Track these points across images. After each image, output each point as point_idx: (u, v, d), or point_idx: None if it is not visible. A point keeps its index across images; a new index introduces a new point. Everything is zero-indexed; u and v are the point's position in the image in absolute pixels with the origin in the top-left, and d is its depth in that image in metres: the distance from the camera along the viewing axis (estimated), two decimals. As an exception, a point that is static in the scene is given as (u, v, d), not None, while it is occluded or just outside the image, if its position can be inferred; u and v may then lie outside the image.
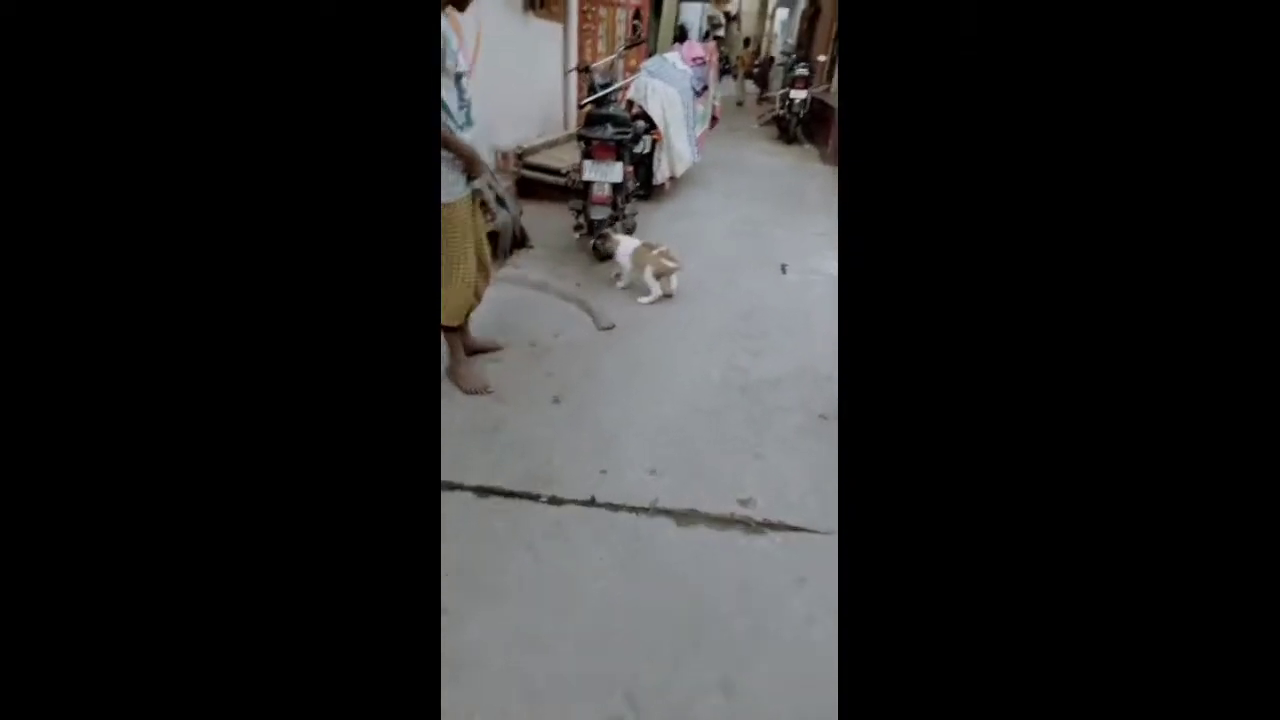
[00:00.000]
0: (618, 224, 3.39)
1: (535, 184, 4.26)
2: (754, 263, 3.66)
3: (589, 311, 2.85)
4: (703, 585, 1.54)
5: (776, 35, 14.49)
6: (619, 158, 3.18)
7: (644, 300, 3.00)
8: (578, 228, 3.35)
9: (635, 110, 4.21)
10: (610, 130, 3.19)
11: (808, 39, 9.28)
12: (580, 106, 3.76)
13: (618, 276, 3.12)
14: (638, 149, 3.99)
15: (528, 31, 4.58)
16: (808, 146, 7.38)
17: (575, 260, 3.45)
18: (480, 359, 2.36)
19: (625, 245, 3.03)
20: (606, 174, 3.14)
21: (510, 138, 4.37)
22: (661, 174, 4.47)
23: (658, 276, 2.96)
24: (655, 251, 2.97)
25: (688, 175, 5.01)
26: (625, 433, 2.07)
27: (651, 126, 4.23)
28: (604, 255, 3.18)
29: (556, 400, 2.21)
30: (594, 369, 2.42)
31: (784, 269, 3.59)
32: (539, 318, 2.80)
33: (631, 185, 3.61)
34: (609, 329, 2.74)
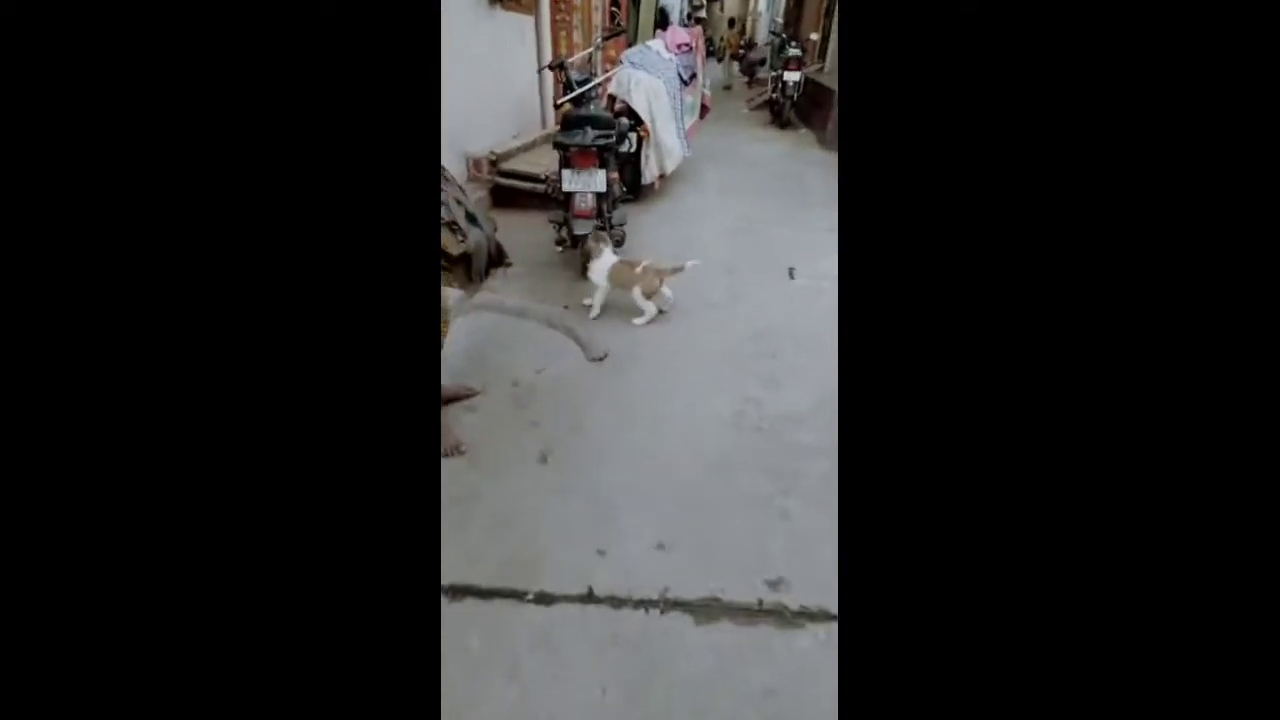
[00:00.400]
0: (605, 235, 3.05)
1: (513, 192, 3.92)
2: (758, 268, 3.33)
3: (577, 340, 2.53)
4: (732, 710, 1.22)
5: (761, 14, 14.05)
6: (602, 164, 2.83)
7: (638, 322, 2.67)
8: (559, 243, 3.01)
9: (619, 105, 3.86)
10: (590, 134, 2.83)
11: (795, 17, 8.88)
12: (556, 106, 3.42)
13: (589, 306, 2.77)
14: (623, 149, 3.64)
15: (494, 25, 4.22)
16: (804, 130, 7.01)
17: (559, 278, 3.12)
18: (451, 410, 2.04)
19: (602, 261, 2.69)
20: (589, 183, 2.80)
21: (482, 142, 4.03)
22: (650, 173, 4.13)
23: (648, 296, 2.64)
24: (638, 269, 2.64)
25: (677, 172, 4.66)
26: (625, 497, 1.75)
27: (637, 123, 3.89)
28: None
29: (544, 459, 1.89)
30: (586, 414, 2.10)
31: (792, 274, 3.26)
32: (520, 350, 2.48)
33: (618, 191, 3.26)
34: (601, 360, 2.42)
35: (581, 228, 2.81)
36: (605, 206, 3.01)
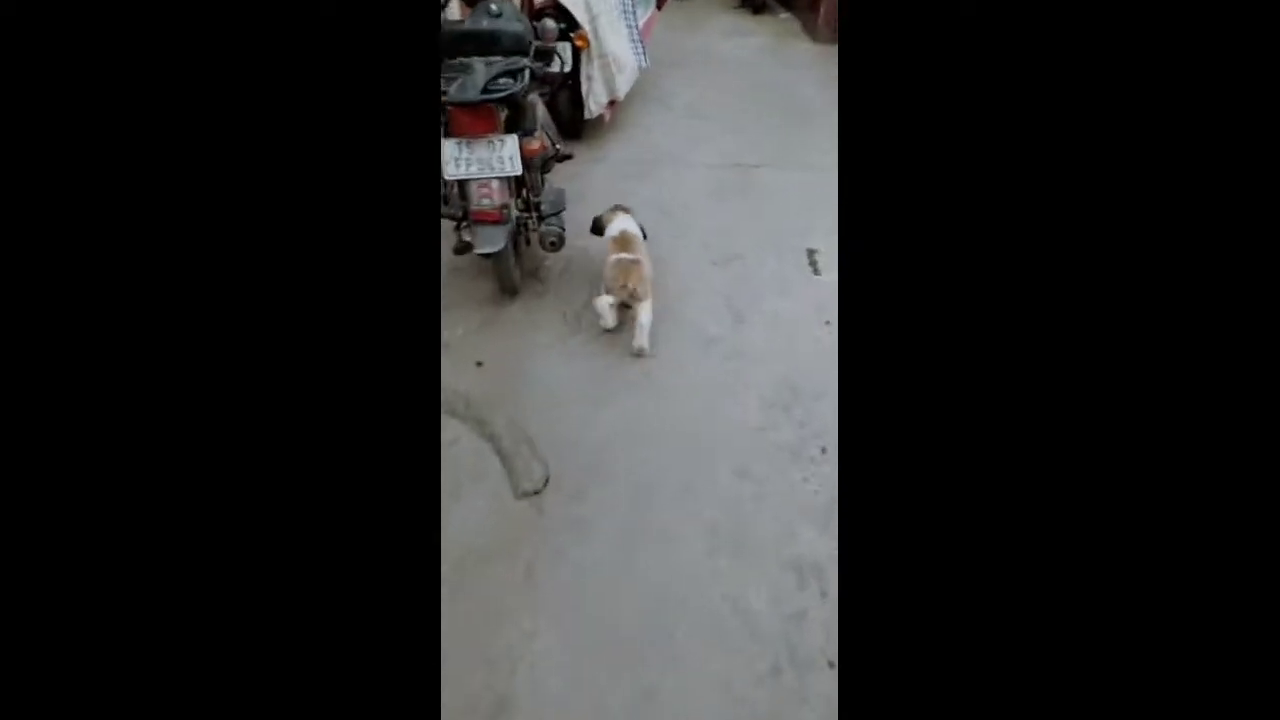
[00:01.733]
0: (530, 232, 1.91)
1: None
2: (764, 251, 2.26)
3: (501, 455, 1.49)
4: None
5: None
6: (516, 124, 1.63)
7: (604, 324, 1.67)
8: (459, 249, 1.85)
9: (541, 2, 2.54)
10: (482, 72, 1.59)
11: None
12: (441, 4, 2.10)
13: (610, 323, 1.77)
14: (551, 69, 2.39)
15: None
16: (784, 16, 5.56)
17: (472, 299, 2.00)
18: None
19: (612, 229, 1.90)
20: (489, 163, 1.59)
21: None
22: (596, 103, 2.87)
23: (624, 306, 1.68)
24: (614, 257, 1.75)
25: (633, 88, 3.38)
26: None
27: (570, 27, 2.59)
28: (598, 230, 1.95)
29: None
30: (496, 660, 1.12)
31: (814, 263, 2.21)
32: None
33: (552, 149, 2.05)
34: (536, 494, 1.41)
35: (487, 242, 1.64)
36: (529, 183, 1.84)
